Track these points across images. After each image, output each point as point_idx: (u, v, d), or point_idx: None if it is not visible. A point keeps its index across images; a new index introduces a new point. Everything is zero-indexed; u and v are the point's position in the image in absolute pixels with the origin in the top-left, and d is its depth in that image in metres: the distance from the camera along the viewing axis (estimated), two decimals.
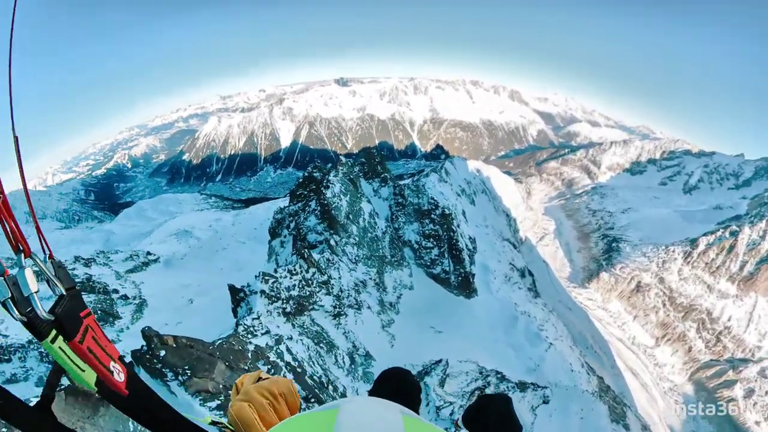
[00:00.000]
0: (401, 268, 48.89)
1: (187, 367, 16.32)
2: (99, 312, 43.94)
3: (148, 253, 66.40)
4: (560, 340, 49.61)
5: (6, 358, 35.37)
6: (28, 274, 1.15)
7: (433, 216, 53.33)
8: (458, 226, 55.01)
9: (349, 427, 0.85)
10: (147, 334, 17.19)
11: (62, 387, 6.79)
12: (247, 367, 20.23)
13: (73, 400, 10.31)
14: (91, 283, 49.54)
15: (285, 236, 48.43)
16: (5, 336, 36.53)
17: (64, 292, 1.27)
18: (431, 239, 52.63)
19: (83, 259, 57.75)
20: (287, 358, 24.40)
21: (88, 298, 44.57)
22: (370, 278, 41.18)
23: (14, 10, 1.17)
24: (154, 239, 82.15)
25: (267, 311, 27.41)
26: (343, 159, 53.49)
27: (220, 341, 21.01)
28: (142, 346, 17.16)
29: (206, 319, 38.94)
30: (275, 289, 29.09)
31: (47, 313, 1.19)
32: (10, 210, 1.12)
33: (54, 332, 1.19)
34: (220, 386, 16.65)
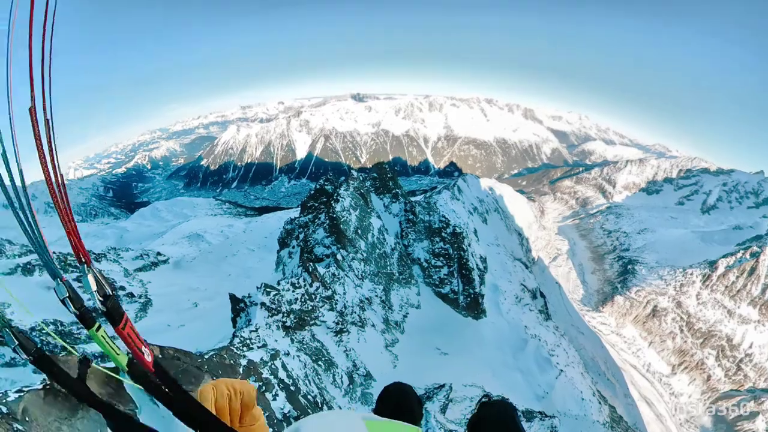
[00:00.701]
0: (409, 287, 47.78)
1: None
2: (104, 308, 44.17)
3: (159, 254, 67.09)
4: (571, 366, 47.58)
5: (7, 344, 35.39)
6: (90, 278, 1.58)
7: (443, 234, 52.26)
8: (469, 245, 53.86)
9: None
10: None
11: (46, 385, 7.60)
12: None
13: (52, 399, 10.29)
14: (101, 277, 49.24)
15: (294, 247, 47.97)
16: (10, 320, 36.47)
17: (111, 292, 1.65)
18: (441, 258, 51.49)
19: (94, 253, 58.34)
20: (281, 374, 23.46)
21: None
22: (376, 295, 40.15)
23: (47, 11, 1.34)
24: (166, 240, 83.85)
25: (266, 324, 26.62)
26: (355, 173, 52.88)
27: (211, 353, 20.22)
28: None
29: (209, 324, 38.36)
30: (276, 302, 28.34)
31: (101, 304, 1.61)
32: (76, 228, 1.51)
33: (98, 324, 1.61)
34: None
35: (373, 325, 37.27)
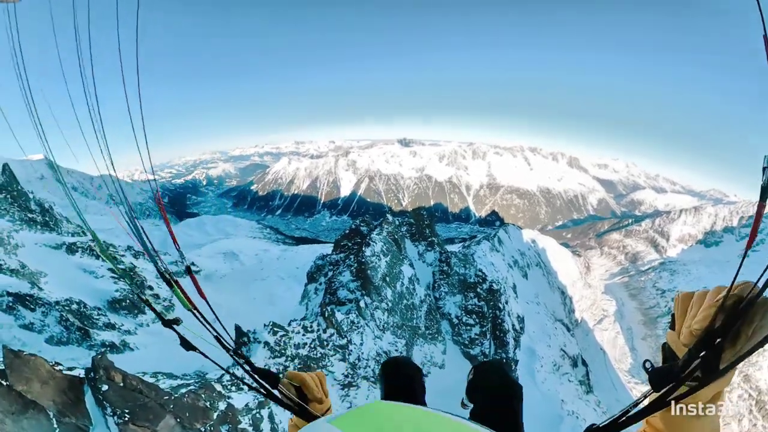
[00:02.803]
0: (435, 343, 43.18)
1: (127, 411, 13.59)
2: (127, 301, 45.25)
3: (193, 263, 68.15)
4: None
5: (32, 306, 37.03)
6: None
7: (479, 290, 47.54)
8: (506, 302, 48.92)
9: None
10: (96, 361, 14.17)
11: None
12: (202, 429, 16.51)
13: (5, 392, 10.69)
14: (132, 273, 51.28)
15: (321, 283, 45.97)
16: (41, 289, 38.35)
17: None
18: (474, 315, 46.57)
19: (134, 250, 59.76)
20: (265, 426, 20.19)
21: (123, 286, 46.58)
22: (397, 350, 36.10)
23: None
24: (204, 253, 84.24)
25: (264, 365, 23.61)
26: (390, 218, 50.29)
27: (185, 390, 17.45)
28: (89, 368, 14.22)
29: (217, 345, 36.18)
30: (282, 344, 25.53)
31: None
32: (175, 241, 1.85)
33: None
34: None
35: None
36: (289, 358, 25.57)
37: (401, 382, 2.25)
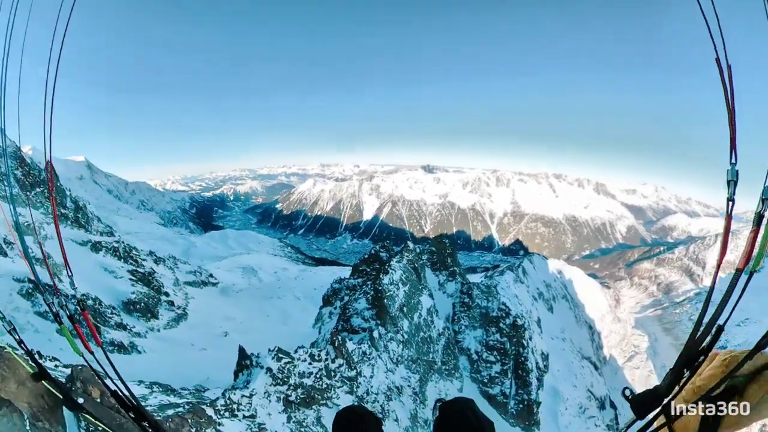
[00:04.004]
0: (451, 380, 40.48)
1: (101, 429, 12.07)
2: (142, 305, 45.85)
3: (211, 275, 68.87)
4: None
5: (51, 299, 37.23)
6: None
7: (501, 325, 44.74)
8: (530, 338, 45.97)
9: None
10: (75, 373, 13.15)
11: None
12: None
13: None
14: (150, 277, 51.34)
15: (336, 308, 44.70)
16: (61, 281, 38.66)
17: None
18: (495, 352, 43.69)
19: (156, 256, 61.49)
20: None
21: (140, 289, 47.19)
22: (409, 385, 33.80)
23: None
24: (223, 265, 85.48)
25: (265, 392, 22.18)
26: (411, 245, 48.75)
27: (171, 412, 16.12)
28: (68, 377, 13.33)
29: (226, 358, 35.23)
30: (285, 371, 23.92)
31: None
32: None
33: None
34: None
35: (397, 420, 30.76)
36: (292, 387, 23.97)
37: None
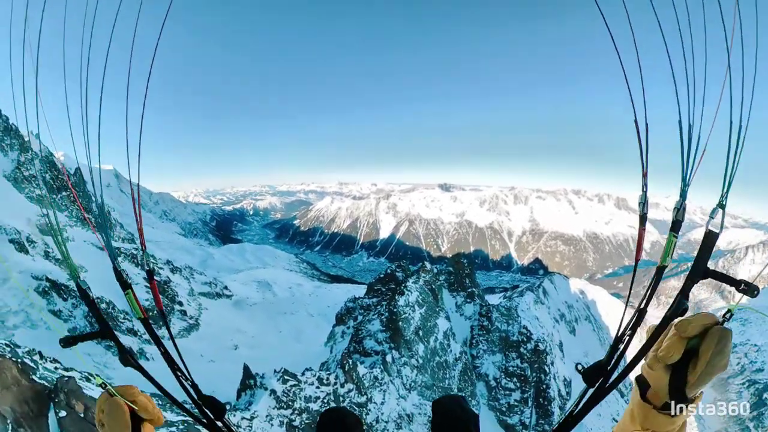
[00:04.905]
0: None
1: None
2: (154, 313, 45.94)
3: (226, 287, 69.07)
4: None
5: (64, 296, 39.46)
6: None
7: (522, 350, 42.49)
8: (552, 364, 43.61)
9: None
10: (60, 384, 12.37)
11: None
12: None
13: None
14: (165, 286, 51.87)
15: (349, 327, 43.64)
16: (84, 283, 39.20)
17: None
18: (515, 379, 41.42)
19: (173, 265, 62.06)
20: None
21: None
22: (421, 413, 32.12)
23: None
24: (239, 278, 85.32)
25: (267, 415, 21.09)
26: (428, 265, 47.44)
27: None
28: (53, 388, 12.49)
29: (233, 374, 34.60)
30: (290, 394, 22.81)
31: None
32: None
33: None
34: None
35: None
36: (297, 412, 22.86)
37: None
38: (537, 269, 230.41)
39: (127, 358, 1.54)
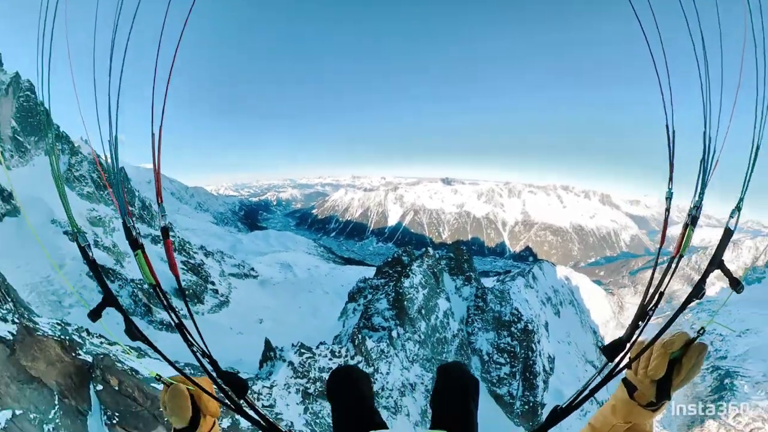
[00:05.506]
0: None
1: (117, 414, 11.77)
2: (190, 291, 47.78)
3: (252, 269, 69.84)
4: None
5: (112, 279, 40.47)
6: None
7: (513, 329, 42.13)
8: (538, 342, 43.25)
9: None
10: (96, 361, 12.46)
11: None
12: None
13: (15, 360, 10.39)
14: (199, 268, 52.52)
15: (360, 304, 43.67)
16: (123, 266, 41.75)
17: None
18: (505, 354, 41.17)
19: (206, 250, 63.01)
20: None
21: (190, 278, 48.77)
22: (422, 383, 32.09)
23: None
24: (264, 261, 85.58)
25: (285, 384, 21.19)
26: (431, 251, 47.11)
27: None
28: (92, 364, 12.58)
29: (260, 344, 35.29)
30: (306, 365, 22.87)
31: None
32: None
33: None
34: None
35: (408, 414, 29.14)
36: (311, 380, 22.93)
37: (354, 400, 1.94)
38: (527, 256, 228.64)
39: (133, 331, 1.31)
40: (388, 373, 28.97)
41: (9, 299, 20.31)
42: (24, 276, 37.81)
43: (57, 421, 10.64)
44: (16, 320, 11.20)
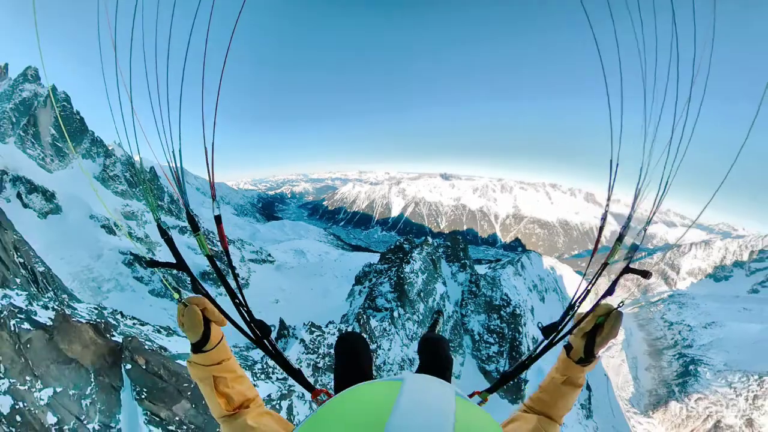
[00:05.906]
0: (455, 355, 38.74)
1: (146, 389, 12.38)
2: (214, 275, 49.14)
3: (269, 255, 71.36)
4: None
5: (144, 266, 41.83)
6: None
7: (502, 313, 42.47)
8: (525, 325, 43.44)
9: (410, 397, 0.77)
10: (125, 343, 12.76)
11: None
12: None
13: (54, 345, 10.38)
14: (223, 254, 52.65)
15: (365, 287, 43.91)
16: (154, 255, 42.10)
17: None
18: (494, 335, 41.56)
19: (228, 238, 62.52)
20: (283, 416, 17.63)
21: (218, 262, 51.36)
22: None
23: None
24: (280, 248, 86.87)
25: (297, 359, 21.54)
26: (430, 239, 47.09)
27: None
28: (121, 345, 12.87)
29: (275, 323, 35.83)
30: (316, 342, 23.15)
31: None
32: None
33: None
34: (175, 418, 12.28)
35: None
36: (321, 356, 23.24)
37: (355, 358, 2.18)
38: (516, 247, 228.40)
39: (199, 288, 1.62)
40: (389, 350, 29.29)
41: (50, 288, 20.66)
42: (67, 266, 39.11)
43: (93, 396, 11.09)
44: (56, 307, 11.40)
